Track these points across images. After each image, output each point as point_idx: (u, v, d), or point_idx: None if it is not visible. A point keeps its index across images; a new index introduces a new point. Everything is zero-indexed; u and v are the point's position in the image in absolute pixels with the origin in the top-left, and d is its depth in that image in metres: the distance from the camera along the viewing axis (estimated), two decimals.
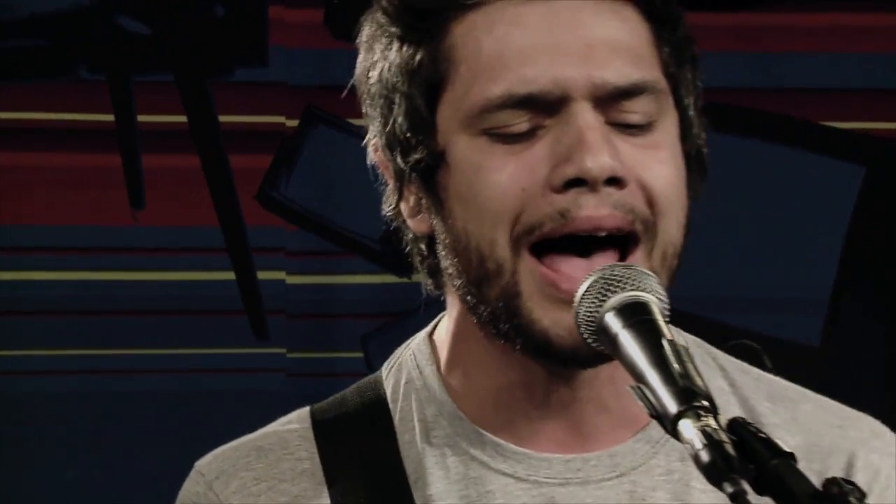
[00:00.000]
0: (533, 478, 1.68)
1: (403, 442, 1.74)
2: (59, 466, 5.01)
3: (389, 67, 1.66)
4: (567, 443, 1.68)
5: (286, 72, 5.05)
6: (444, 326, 1.77)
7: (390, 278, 5.23)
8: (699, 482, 1.50)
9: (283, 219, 5.26)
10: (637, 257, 1.59)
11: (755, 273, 5.09)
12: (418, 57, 1.63)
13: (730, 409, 1.65)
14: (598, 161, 1.53)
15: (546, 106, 1.58)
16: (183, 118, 5.13)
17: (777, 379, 1.83)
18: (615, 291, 1.48)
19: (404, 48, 1.65)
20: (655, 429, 1.58)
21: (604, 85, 1.56)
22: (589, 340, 1.50)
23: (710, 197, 5.11)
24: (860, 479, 1.67)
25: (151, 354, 5.07)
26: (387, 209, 1.72)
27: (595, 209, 1.55)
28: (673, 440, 1.37)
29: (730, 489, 1.24)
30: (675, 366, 1.37)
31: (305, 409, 1.82)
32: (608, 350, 1.47)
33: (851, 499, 1.24)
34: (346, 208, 5.11)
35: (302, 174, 5.30)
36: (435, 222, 1.66)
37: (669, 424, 1.33)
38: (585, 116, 1.57)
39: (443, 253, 1.67)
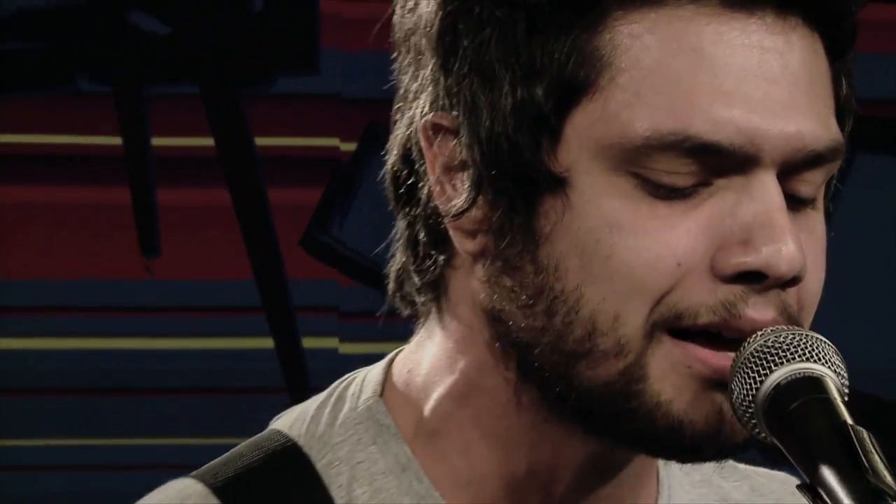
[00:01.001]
0: None
1: None
2: None
3: (501, 38, 1.38)
4: None
5: (341, 82, 4.56)
6: (424, 374, 1.51)
7: None
8: None
9: (336, 269, 4.76)
10: None
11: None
12: (559, 45, 1.36)
13: None
14: (790, 259, 1.29)
15: (724, 162, 1.33)
16: (210, 141, 4.55)
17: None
18: (781, 363, 1.26)
19: (538, 26, 1.39)
20: None
21: (802, 149, 1.32)
22: (748, 425, 1.28)
23: (884, 242, 4.52)
24: None
25: (173, 445, 4.53)
26: (432, 207, 1.42)
27: (761, 312, 1.32)
28: None
29: None
30: (862, 458, 1.18)
31: (191, 484, 1.50)
32: (768, 437, 1.27)
33: None
34: None
35: (360, 212, 4.72)
36: (510, 254, 1.40)
37: None
38: (773, 190, 1.34)
39: (507, 292, 1.39)
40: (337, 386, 1.60)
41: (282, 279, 4.67)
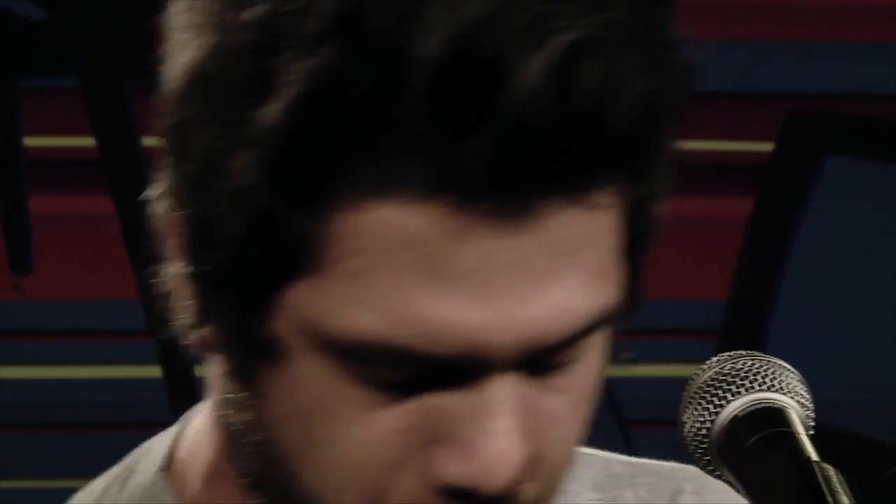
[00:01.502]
0: None
1: None
2: None
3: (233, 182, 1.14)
4: None
5: None
6: (199, 442, 1.38)
7: None
8: None
9: None
10: None
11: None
12: (280, 221, 1.15)
13: None
14: (499, 481, 1.13)
15: (444, 370, 1.16)
16: (91, 141, 4.18)
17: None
18: (739, 393, 1.20)
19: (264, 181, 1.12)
20: None
21: (541, 345, 1.13)
22: (701, 461, 1.23)
23: (862, 256, 4.05)
24: None
25: (44, 488, 4.16)
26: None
27: None
28: None
29: None
30: (828, 500, 1.12)
31: None
32: (723, 474, 1.22)
33: None
34: None
35: None
36: (236, 392, 1.19)
37: None
38: (502, 391, 1.16)
39: (236, 423, 1.25)
40: (130, 456, 1.48)
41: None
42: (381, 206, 1.18)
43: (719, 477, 1.26)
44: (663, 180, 1.27)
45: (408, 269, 1.19)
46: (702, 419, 1.23)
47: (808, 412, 1.24)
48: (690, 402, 1.24)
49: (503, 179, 1.16)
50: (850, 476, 1.18)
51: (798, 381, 1.25)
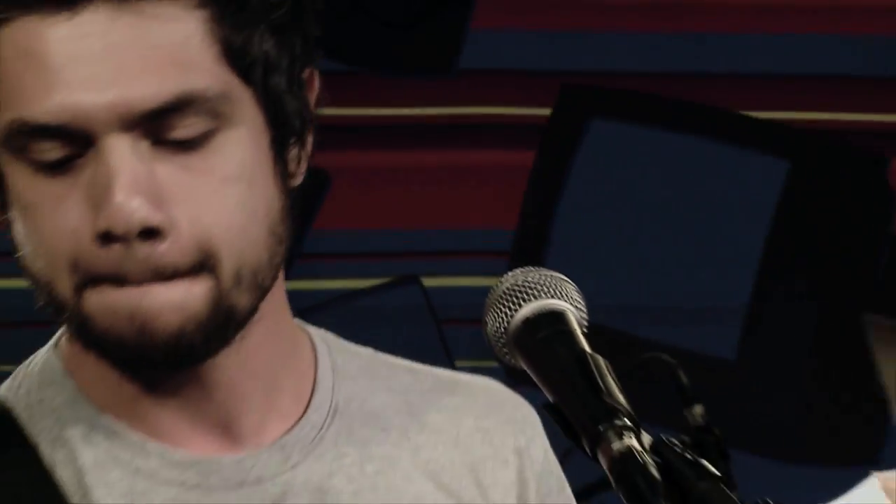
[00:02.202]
0: (205, 484, 1.57)
1: (56, 464, 1.56)
2: None
3: None
4: (231, 444, 1.58)
5: None
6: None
7: None
8: (371, 464, 1.56)
9: None
10: (199, 287, 1.44)
11: (668, 280, 4.89)
12: None
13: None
14: (124, 214, 1.38)
15: (74, 138, 1.41)
16: None
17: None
18: (529, 300, 1.40)
19: None
20: (314, 414, 1.58)
21: (134, 109, 1.40)
22: (502, 352, 1.42)
23: (619, 197, 4.72)
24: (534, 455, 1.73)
25: None
26: None
27: (141, 273, 1.41)
28: (337, 425, 1.54)
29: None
30: (598, 381, 1.33)
31: None
32: (517, 363, 1.41)
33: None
34: None
35: None
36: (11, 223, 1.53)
37: (589, 444, 1.31)
38: (116, 151, 1.41)
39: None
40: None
41: None
42: (5, 27, 1.40)
43: (515, 365, 1.41)
44: (269, 5, 1.44)
45: (21, 69, 1.40)
46: (501, 320, 1.39)
47: (582, 314, 1.41)
48: (492, 307, 1.40)
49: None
50: (613, 362, 1.38)
51: (574, 290, 1.44)
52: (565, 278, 1.44)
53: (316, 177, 1.63)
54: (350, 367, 1.64)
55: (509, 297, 1.40)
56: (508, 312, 1.39)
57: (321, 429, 1.57)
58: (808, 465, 4.65)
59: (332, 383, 1.59)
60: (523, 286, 1.41)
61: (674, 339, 4.69)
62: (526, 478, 1.72)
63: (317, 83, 1.55)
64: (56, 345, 1.61)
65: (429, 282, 4.58)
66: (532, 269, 1.44)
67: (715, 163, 4.96)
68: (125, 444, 1.56)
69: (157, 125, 1.40)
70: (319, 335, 1.64)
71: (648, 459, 1.28)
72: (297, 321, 1.65)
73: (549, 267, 1.47)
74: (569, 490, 1.78)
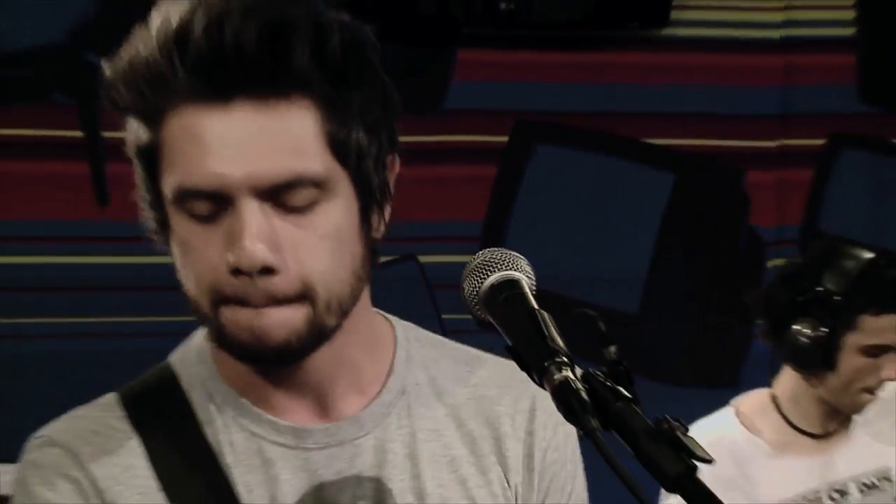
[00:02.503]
0: (301, 446, 1.54)
1: (201, 420, 1.56)
2: (51, 415, 4.48)
3: (128, 135, 1.48)
4: (317, 413, 1.56)
5: None
6: None
7: None
8: (422, 433, 1.51)
9: None
10: (300, 311, 1.41)
11: (591, 258, 4.88)
12: (141, 137, 1.43)
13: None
14: (251, 257, 1.36)
15: (219, 199, 1.39)
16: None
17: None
18: (494, 271, 1.39)
19: (132, 127, 1.45)
20: (386, 395, 1.54)
21: (259, 183, 1.37)
22: (475, 309, 1.42)
23: (556, 200, 4.47)
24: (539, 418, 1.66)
25: (136, 322, 4.55)
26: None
27: (260, 300, 1.39)
28: (402, 403, 1.48)
29: (587, 426, 1.23)
30: (544, 330, 1.33)
31: (112, 395, 1.61)
32: (487, 317, 1.42)
33: (678, 432, 1.22)
34: None
35: None
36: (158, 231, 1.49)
37: (538, 376, 1.29)
38: (245, 209, 1.39)
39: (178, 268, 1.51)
40: None
41: None
42: (174, 114, 1.34)
43: (484, 318, 1.41)
44: (364, 113, 1.39)
45: (187, 147, 1.34)
46: (474, 286, 1.39)
47: (531, 281, 1.40)
48: (468, 276, 1.40)
49: (229, 91, 1.31)
50: (554, 316, 1.37)
51: (526, 264, 1.42)
52: (520, 256, 1.43)
53: None
54: (420, 356, 1.60)
55: (480, 270, 1.39)
56: (479, 280, 1.39)
57: (389, 406, 1.55)
58: (691, 387, 4.60)
59: (404, 370, 1.56)
60: (490, 261, 1.40)
61: (595, 299, 4.68)
62: (533, 453, 1.62)
63: (397, 165, 1.52)
64: (205, 339, 1.62)
65: (423, 259, 4.59)
66: (496, 249, 1.43)
67: (622, 176, 4.95)
68: (246, 414, 1.55)
69: (277, 194, 1.38)
70: (402, 327, 1.62)
71: (580, 386, 1.25)
72: (386, 316, 1.62)
73: (508, 248, 1.46)
74: (581, 473, 1.69)
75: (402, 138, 1.50)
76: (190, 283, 1.45)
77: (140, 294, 4.57)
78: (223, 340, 1.47)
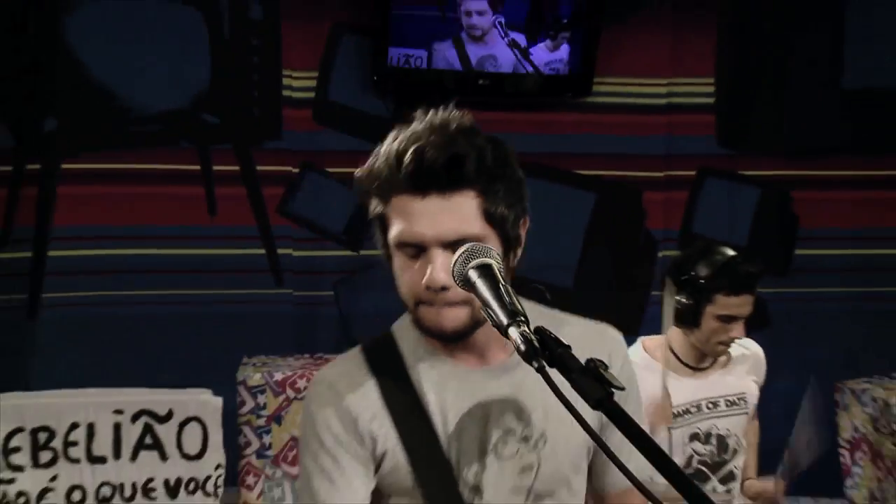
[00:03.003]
0: (469, 378, 1.87)
1: (409, 365, 1.90)
2: (174, 355, 5.14)
3: (369, 200, 1.86)
4: (481, 361, 1.89)
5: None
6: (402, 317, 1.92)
7: (347, 252, 5.58)
8: (534, 375, 1.55)
9: (293, 222, 5.51)
10: (464, 311, 1.87)
11: (539, 249, 4.35)
12: (378, 209, 1.82)
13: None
14: (435, 281, 1.72)
15: (419, 248, 1.76)
16: (237, 167, 5.32)
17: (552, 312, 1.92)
18: (474, 259, 1.66)
19: (373, 203, 1.84)
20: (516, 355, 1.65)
21: (445, 239, 1.76)
22: (463, 286, 1.63)
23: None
24: (614, 363, 1.90)
25: (217, 294, 5.28)
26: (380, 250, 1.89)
27: (440, 304, 1.80)
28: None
29: (536, 364, 1.44)
30: (506, 298, 1.55)
31: (356, 349, 1.97)
32: (470, 290, 1.63)
33: (601, 369, 1.40)
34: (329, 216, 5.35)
35: (303, 201, 5.49)
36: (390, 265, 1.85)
37: (503, 330, 1.50)
38: (436, 255, 1.73)
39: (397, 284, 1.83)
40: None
41: (268, 226, 5.44)
42: (395, 197, 1.74)
43: (468, 291, 1.66)
44: (506, 196, 1.75)
45: (403, 217, 1.73)
46: (461, 268, 1.65)
47: (500, 266, 1.64)
48: (456, 262, 1.66)
49: (421, 186, 1.68)
50: (515, 288, 1.65)
51: (496, 253, 1.67)
52: (491, 248, 1.70)
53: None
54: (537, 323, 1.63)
55: (465, 258, 1.67)
56: (466, 265, 1.66)
57: (518, 360, 1.65)
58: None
59: (503, 322, 1.64)
60: (472, 252, 1.67)
61: (542, 278, 5.03)
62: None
63: (528, 223, 1.81)
64: (400, 324, 1.93)
65: None
66: (476, 244, 1.72)
67: (561, 195, 5.66)
68: (439, 361, 1.85)
69: (452, 245, 1.69)
70: (528, 307, 1.65)
71: (533, 338, 1.47)
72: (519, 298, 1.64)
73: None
74: (638, 394, 2.00)
75: None
76: (403, 290, 1.75)
77: (232, 275, 5.19)
78: (419, 325, 1.75)
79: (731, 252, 3.60)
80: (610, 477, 1.93)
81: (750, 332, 3.99)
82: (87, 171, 4.83)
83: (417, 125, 1.73)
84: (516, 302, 1.50)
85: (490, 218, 1.70)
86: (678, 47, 5.23)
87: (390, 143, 1.73)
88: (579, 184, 5.57)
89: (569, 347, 1.43)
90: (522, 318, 1.47)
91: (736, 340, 3.60)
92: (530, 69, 5.00)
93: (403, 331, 1.86)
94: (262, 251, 5.19)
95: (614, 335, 1.97)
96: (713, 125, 5.36)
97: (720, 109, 5.31)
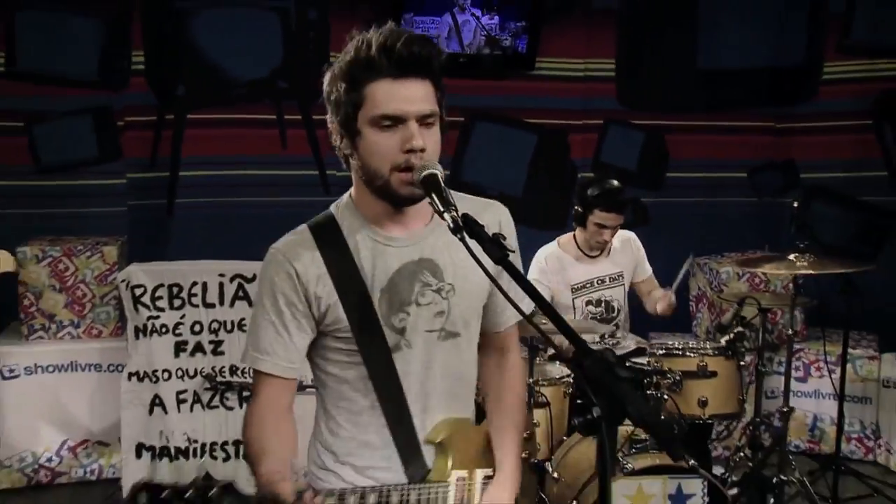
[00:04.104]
0: (393, 245, 1.93)
1: (346, 236, 1.94)
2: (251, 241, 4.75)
3: (342, 93, 1.89)
4: (404, 230, 1.94)
5: None
6: (353, 189, 1.98)
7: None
8: (451, 238, 1.79)
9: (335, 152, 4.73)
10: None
11: (493, 175, 6.58)
12: (351, 93, 1.88)
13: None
14: (417, 143, 1.82)
15: (398, 120, 1.83)
16: (299, 116, 6.07)
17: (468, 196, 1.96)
18: (426, 170, 1.84)
19: (344, 84, 1.88)
20: (433, 222, 2.00)
21: (419, 114, 1.83)
22: (418, 190, 1.78)
23: (484, 144, 6.90)
24: (506, 229, 2.05)
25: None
26: (333, 143, 1.91)
27: (416, 161, 1.85)
28: (441, 227, 1.77)
29: (460, 236, 1.67)
30: (444, 194, 1.75)
31: (304, 225, 2.00)
32: (426, 192, 1.81)
33: (501, 239, 1.62)
34: None
35: None
36: (353, 153, 1.90)
37: (440, 214, 1.72)
38: (412, 125, 1.83)
39: (354, 164, 1.91)
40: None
41: (322, 162, 5.93)
42: (375, 83, 1.85)
43: (420, 195, 1.79)
44: (442, 88, 1.87)
45: (385, 96, 1.83)
46: (419, 173, 1.85)
47: (444, 174, 1.82)
48: (414, 173, 1.83)
49: (402, 71, 1.76)
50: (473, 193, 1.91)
51: (439, 167, 1.83)
52: (437, 164, 2.01)
53: None
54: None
55: (420, 169, 1.98)
56: (419, 174, 1.95)
57: (435, 227, 1.93)
58: (543, 230, 5.18)
59: (441, 210, 1.79)
60: (425, 166, 1.98)
61: (501, 189, 5.98)
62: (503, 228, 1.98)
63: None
64: (349, 196, 1.98)
65: None
66: (429, 162, 2.03)
67: (514, 136, 6.44)
68: (372, 233, 1.92)
69: (424, 119, 1.84)
70: (453, 193, 1.85)
71: (458, 216, 1.84)
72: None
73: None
74: (519, 258, 2.06)
75: None
76: (376, 159, 1.78)
77: (296, 188, 5.84)
78: (386, 191, 1.80)
79: (615, 183, 4.30)
80: (503, 316, 2.04)
81: (635, 228, 4.71)
82: (204, 120, 5.83)
83: (384, 30, 1.80)
84: (449, 196, 1.66)
85: (438, 102, 1.84)
86: (591, 38, 6.32)
87: (363, 42, 1.77)
88: (526, 129, 6.57)
89: (483, 226, 1.61)
90: (453, 207, 1.64)
91: (611, 238, 4.34)
92: (496, 52, 5.96)
93: (341, 209, 1.91)
94: (316, 172, 6.08)
95: (500, 207, 2.06)
96: (615, 90, 6.45)
97: (619, 80, 6.43)
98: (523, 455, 2.11)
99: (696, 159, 6.32)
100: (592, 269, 4.51)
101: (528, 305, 1.87)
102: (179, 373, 4.65)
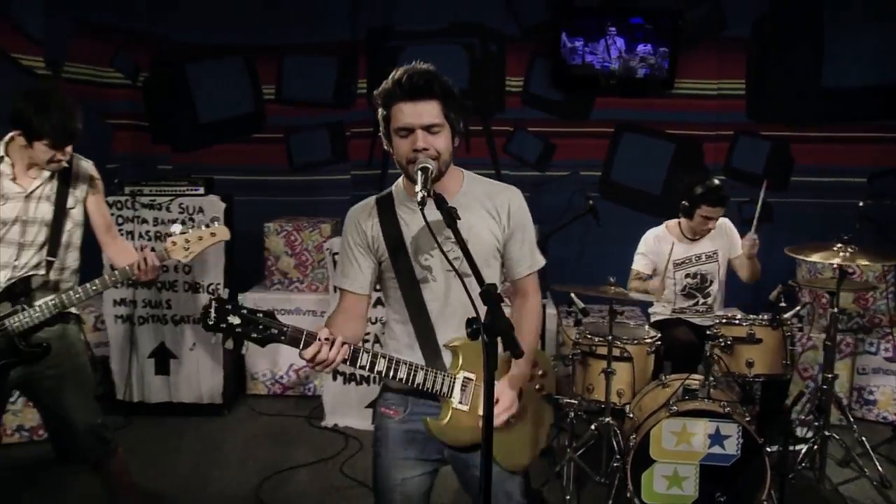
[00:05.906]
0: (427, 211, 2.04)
1: (396, 206, 2.27)
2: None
3: (380, 114, 2.19)
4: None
5: None
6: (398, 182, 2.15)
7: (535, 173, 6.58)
8: (471, 208, 2.02)
9: (511, 156, 6.72)
10: (435, 165, 2.11)
11: (641, 172, 6.97)
12: (384, 112, 2.19)
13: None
14: (419, 145, 2.11)
15: (409, 130, 2.13)
16: (481, 127, 6.72)
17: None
18: (420, 164, 2.12)
19: (381, 108, 2.17)
20: (460, 196, 2.27)
21: (424, 125, 2.11)
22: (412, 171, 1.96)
23: None
24: (512, 207, 2.30)
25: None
26: (385, 146, 2.15)
27: (420, 157, 2.09)
28: (464, 200, 2.05)
29: (420, 207, 1.98)
30: (427, 183, 2.09)
31: (373, 197, 2.32)
32: (420, 177, 2.02)
33: (452, 212, 1.74)
34: None
35: (516, 144, 6.66)
36: (391, 152, 2.22)
37: (419, 192, 1.99)
38: (419, 133, 2.12)
39: (394, 159, 2.20)
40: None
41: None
42: (393, 104, 2.19)
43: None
44: (452, 106, 2.19)
45: (399, 115, 2.18)
46: (417, 167, 2.10)
47: (431, 168, 2.08)
48: (413, 165, 2.08)
49: (411, 96, 2.13)
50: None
51: (430, 162, 2.04)
52: (433, 161, 2.18)
53: None
54: (472, 183, 2.18)
55: (420, 161, 2.07)
56: (417, 165, 2.13)
57: (461, 197, 2.17)
58: None
59: (463, 189, 2.16)
60: (420, 160, 2.11)
61: (643, 189, 6.69)
62: (509, 215, 2.28)
63: (468, 123, 1.96)
64: (401, 178, 2.30)
65: None
66: (424, 160, 2.17)
67: (655, 145, 6.72)
68: (410, 202, 2.24)
69: (428, 129, 2.09)
70: (468, 174, 2.12)
71: (429, 185, 1.98)
72: (459, 169, 2.12)
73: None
74: (531, 229, 2.29)
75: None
76: (398, 157, 2.15)
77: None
78: (407, 174, 2.20)
79: (717, 182, 4.63)
80: (518, 267, 2.34)
81: (762, 224, 4.88)
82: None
83: (406, 68, 2.07)
84: (429, 184, 1.99)
85: (447, 117, 2.13)
86: (723, 62, 6.68)
87: (391, 77, 2.10)
88: (666, 139, 7.00)
89: (445, 201, 1.98)
90: (429, 189, 1.99)
91: (714, 227, 4.78)
92: (642, 74, 6.46)
93: (396, 188, 2.30)
94: (493, 171, 6.68)
95: (515, 191, 2.31)
96: (744, 106, 6.90)
97: (748, 97, 6.90)
98: (537, 388, 2.47)
99: (817, 165, 6.70)
100: (691, 248, 4.89)
101: (538, 262, 2.31)
102: None
